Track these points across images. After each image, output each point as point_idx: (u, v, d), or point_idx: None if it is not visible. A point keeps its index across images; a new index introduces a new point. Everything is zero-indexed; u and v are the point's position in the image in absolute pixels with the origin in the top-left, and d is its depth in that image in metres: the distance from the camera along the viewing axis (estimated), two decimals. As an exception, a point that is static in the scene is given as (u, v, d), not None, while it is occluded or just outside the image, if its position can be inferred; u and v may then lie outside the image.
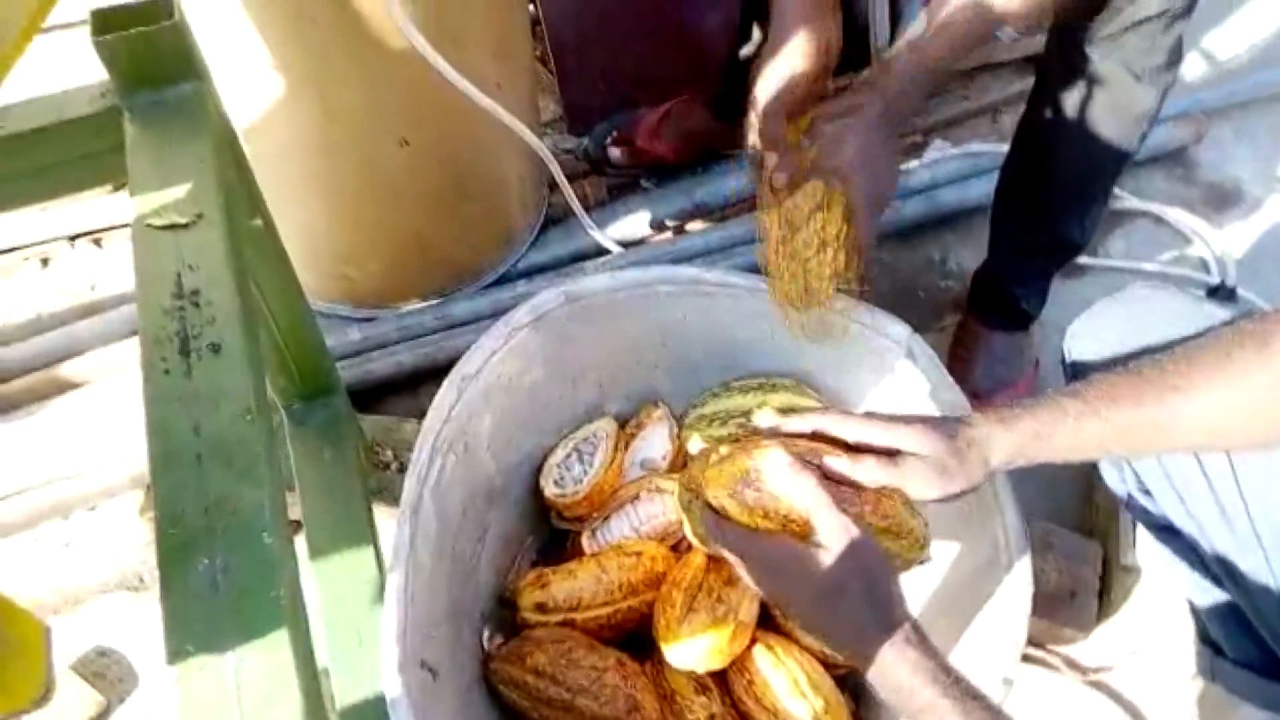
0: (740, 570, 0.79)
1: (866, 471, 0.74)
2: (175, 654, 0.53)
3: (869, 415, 0.79)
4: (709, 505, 0.81)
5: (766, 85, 0.97)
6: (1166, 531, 0.91)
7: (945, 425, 0.77)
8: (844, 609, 0.71)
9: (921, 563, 0.82)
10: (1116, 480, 0.93)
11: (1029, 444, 0.75)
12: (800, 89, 0.97)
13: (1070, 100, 1.08)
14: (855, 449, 0.77)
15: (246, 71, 1.11)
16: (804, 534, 0.74)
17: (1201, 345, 0.70)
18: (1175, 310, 0.86)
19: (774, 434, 0.81)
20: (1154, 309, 0.87)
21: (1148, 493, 0.89)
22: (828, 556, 0.71)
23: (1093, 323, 0.92)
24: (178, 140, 0.78)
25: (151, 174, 0.76)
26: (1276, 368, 0.66)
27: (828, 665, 1.03)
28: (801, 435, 0.80)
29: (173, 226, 0.72)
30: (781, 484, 0.74)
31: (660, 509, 1.12)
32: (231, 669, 0.52)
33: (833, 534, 0.72)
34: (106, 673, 1.22)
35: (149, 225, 0.72)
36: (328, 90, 1.15)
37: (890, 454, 0.76)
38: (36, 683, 0.37)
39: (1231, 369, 0.68)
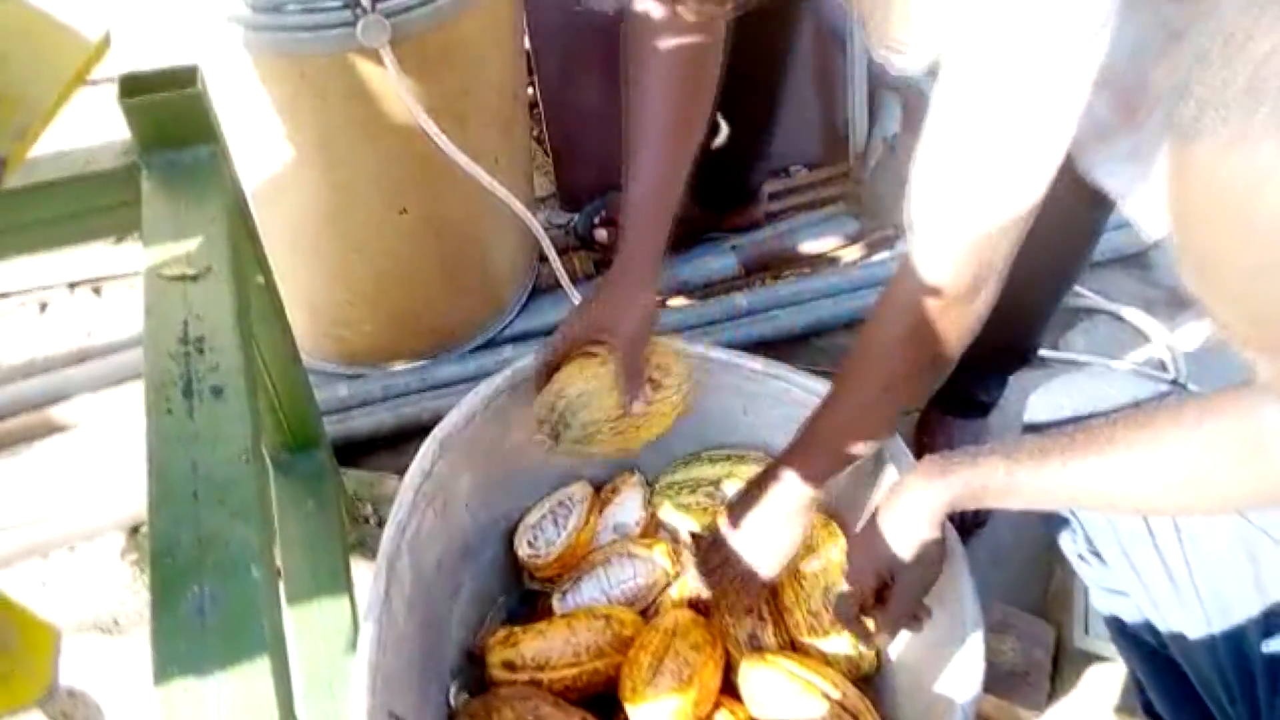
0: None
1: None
2: (161, 676, 0.56)
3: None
4: None
5: (561, 342, 1.04)
6: (1115, 596, 0.95)
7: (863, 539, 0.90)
8: None
9: None
10: (1069, 542, 0.97)
11: (961, 494, 0.81)
12: (579, 343, 1.04)
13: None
14: None
15: (258, 140, 1.18)
16: None
17: (1129, 414, 0.76)
18: (1127, 386, 0.92)
19: None
20: (1107, 384, 0.94)
21: (1097, 554, 0.93)
22: None
23: (1050, 394, 0.98)
24: (191, 198, 0.84)
25: (165, 228, 0.81)
26: (1186, 439, 0.71)
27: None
28: None
29: (182, 278, 0.77)
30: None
31: (631, 573, 1.15)
32: (214, 692, 0.55)
33: None
34: (74, 714, 1.22)
35: (160, 275, 0.77)
36: (334, 161, 1.21)
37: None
38: (42, 683, 0.41)
39: (1149, 436, 0.73)
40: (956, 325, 0.83)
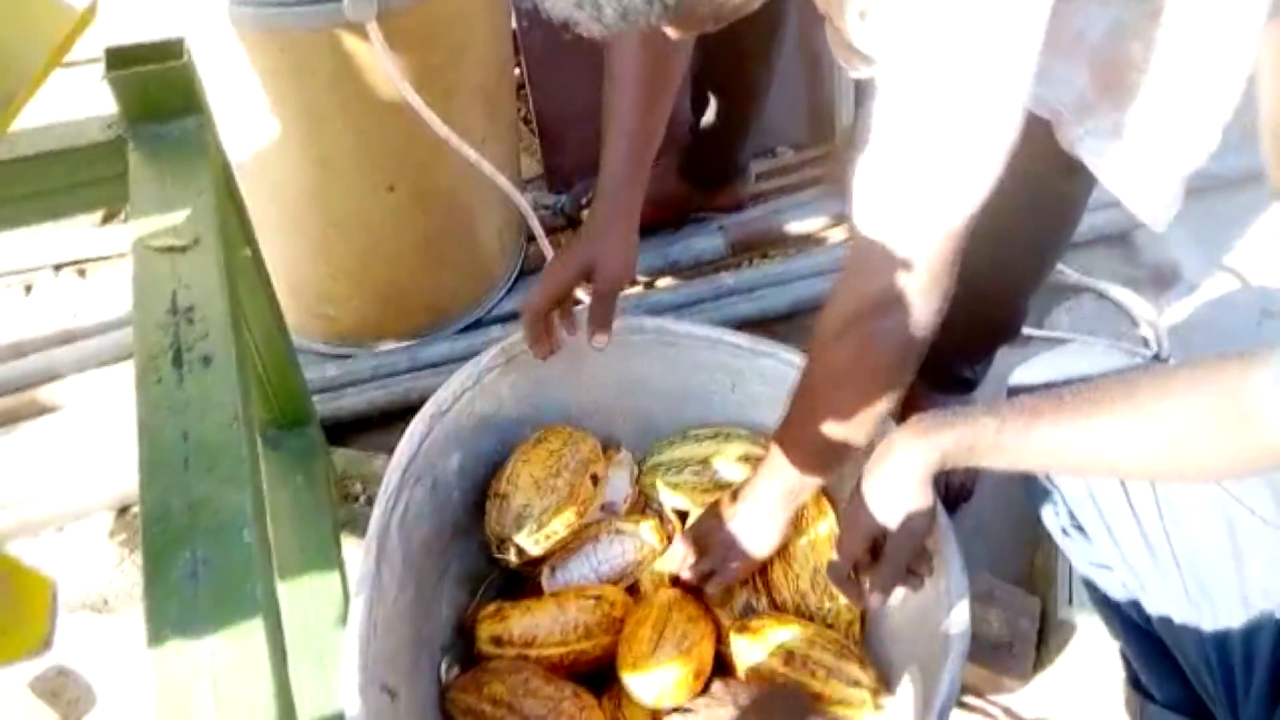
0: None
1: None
2: (155, 638, 0.56)
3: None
4: None
5: (550, 282, 1.09)
6: (1097, 568, 0.97)
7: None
8: None
9: None
10: (1051, 516, 0.98)
11: (951, 450, 0.80)
12: (567, 291, 1.09)
13: (1006, 181, 1.16)
14: None
15: (244, 114, 1.17)
16: None
17: (1115, 379, 0.76)
18: (1108, 362, 0.93)
19: None
20: (1089, 357, 0.95)
21: (1080, 528, 0.94)
22: None
23: (1032, 370, 0.99)
24: (178, 170, 0.84)
25: (152, 200, 0.81)
26: (1175, 404, 0.71)
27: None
28: None
29: (170, 249, 0.77)
30: None
31: (620, 550, 1.15)
32: (207, 653, 0.56)
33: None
34: (63, 692, 1.23)
35: (148, 246, 0.77)
36: (320, 136, 1.21)
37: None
38: (39, 636, 0.41)
39: (1133, 401, 0.73)
40: (927, 311, 0.81)
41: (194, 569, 0.59)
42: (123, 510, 1.38)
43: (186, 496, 0.62)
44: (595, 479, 1.14)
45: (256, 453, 0.68)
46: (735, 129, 1.61)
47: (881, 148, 0.75)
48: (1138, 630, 0.99)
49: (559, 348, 1.12)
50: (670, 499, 1.19)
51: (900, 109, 0.73)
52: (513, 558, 1.10)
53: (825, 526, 1.11)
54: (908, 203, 0.75)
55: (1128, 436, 0.72)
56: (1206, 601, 0.85)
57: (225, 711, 0.54)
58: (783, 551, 1.10)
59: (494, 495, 1.11)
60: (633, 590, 1.14)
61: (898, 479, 0.85)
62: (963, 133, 0.71)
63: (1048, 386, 0.94)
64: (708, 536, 1.07)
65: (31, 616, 0.41)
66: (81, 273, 1.66)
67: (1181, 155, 0.91)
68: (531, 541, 1.09)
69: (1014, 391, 0.98)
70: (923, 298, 0.79)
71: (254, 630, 0.56)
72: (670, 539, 1.15)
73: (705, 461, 1.19)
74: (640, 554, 1.15)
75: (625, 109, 1.04)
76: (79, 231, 1.69)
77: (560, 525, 1.10)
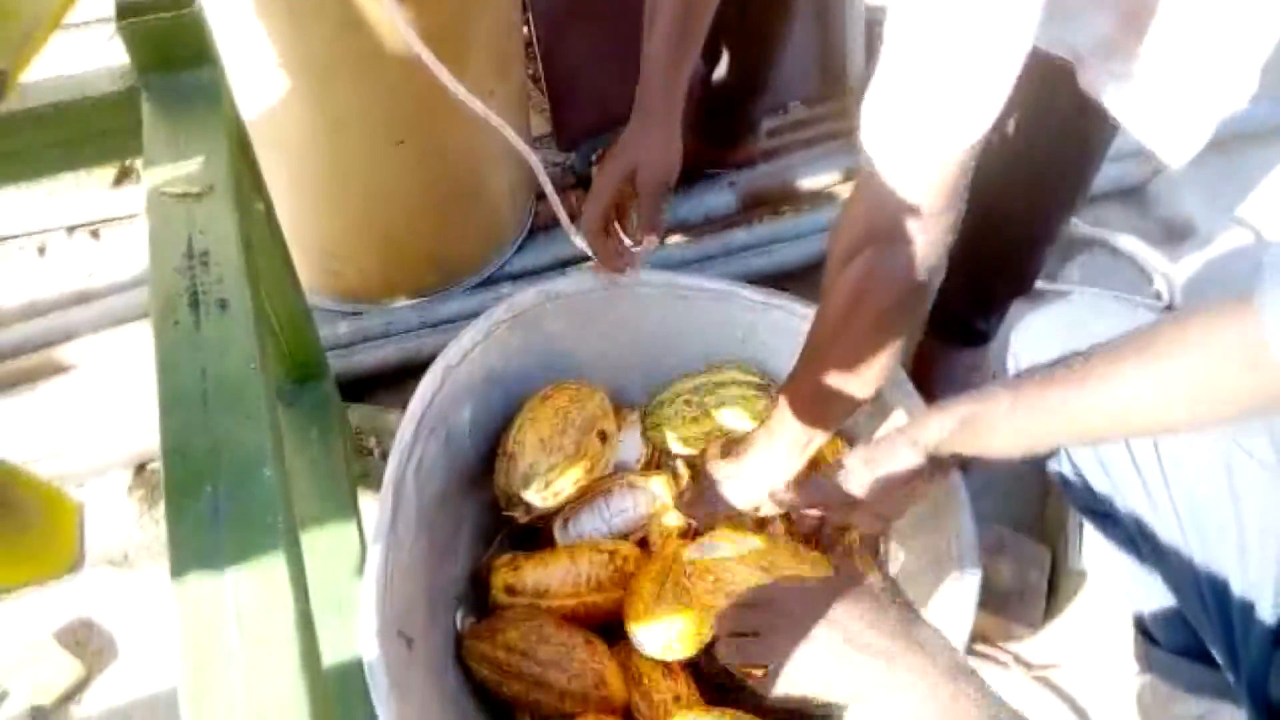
0: (758, 655, 0.82)
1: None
2: (177, 572, 0.57)
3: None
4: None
5: (602, 189, 1.10)
6: (1101, 517, 0.97)
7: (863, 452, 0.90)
8: (875, 627, 0.74)
9: None
10: (1054, 464, 0.99)
11: (961, 430, 0.80)
12: (626, 189, 1.10)
13: (1024, 127, 1.15)
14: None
15: (253, 66, 1.17)
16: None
17: (1126, 338, 0.74)
18: (1112, 310, 0.93)
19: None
20: (1093, 309, 0.95)
21: (1081, 475, 0.95)
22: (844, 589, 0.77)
23: (1038, 320, 0.98)
24: (191, 120, 0.84)
25: (166, 149, 0.81)
26: (1187, 358, 0.70)
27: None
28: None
29: (185, 195, 0.77)
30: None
31: (631, 504, 1.16)
32: (230, 586, 0.57)
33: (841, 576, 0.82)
34: (88, 643, 1.25)
35: (163, 194, 0.77)
36: (329, 89, 1.20)
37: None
38: (68, 556, 0.42)
39: (1147, 358, 0.72)
40: (930, 243, 0.80)
41: (215, 504, 0.60)
42: (141, 467, 1.39)
43: (206, 435, 0.63)
44: (604, 435, 1.14)
45: (274, 396, 0.69)
46: (747, 85, 1.60)
47: (888, 71, 0.74)
48: (1141, 574, 1.00)
49: (630, 262, 1.14)
50: (669, 438, 1.19)
51: (907, 31, 0.72)
52: (521, 515, 1.10)
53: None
54: (912, 127, 0.74)
55: (1148, 389, 0.71)
56: (1204, 546, 0.86)
57: (249, 643, 0.55)
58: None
59: (502, 454, 1.12)
60: (645, 545, 1.15)
61: (890, 449, 0.87)
62: (969, 58, 0.70)
63: (1054, 337, 0.94)
64: (710, 490, 1.07)
65: (62, 537, 0.42)
66: (95, 234, 1.66)
67: (1215, 98, 0.90)
68: (539, 499, 1.10)
69: (1015, 358, 0.99)
70: (926, 228, 0.78)
71: (276, 563, 0.57)
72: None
73: (695, 390, 1.19)
74: (652, 508, 1.15)
75: (666, 9, 1.04)
76: (92, 193, 1.70)
77: (567, 483, 1.11)
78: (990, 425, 0.79)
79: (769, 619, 0.80)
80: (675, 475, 1.19)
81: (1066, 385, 0.75)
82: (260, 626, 0.56)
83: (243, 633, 0.55)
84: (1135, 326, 0.74)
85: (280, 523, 0.59)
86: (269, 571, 0.57)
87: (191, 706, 0.53)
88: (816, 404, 0.94)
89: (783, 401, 0.97)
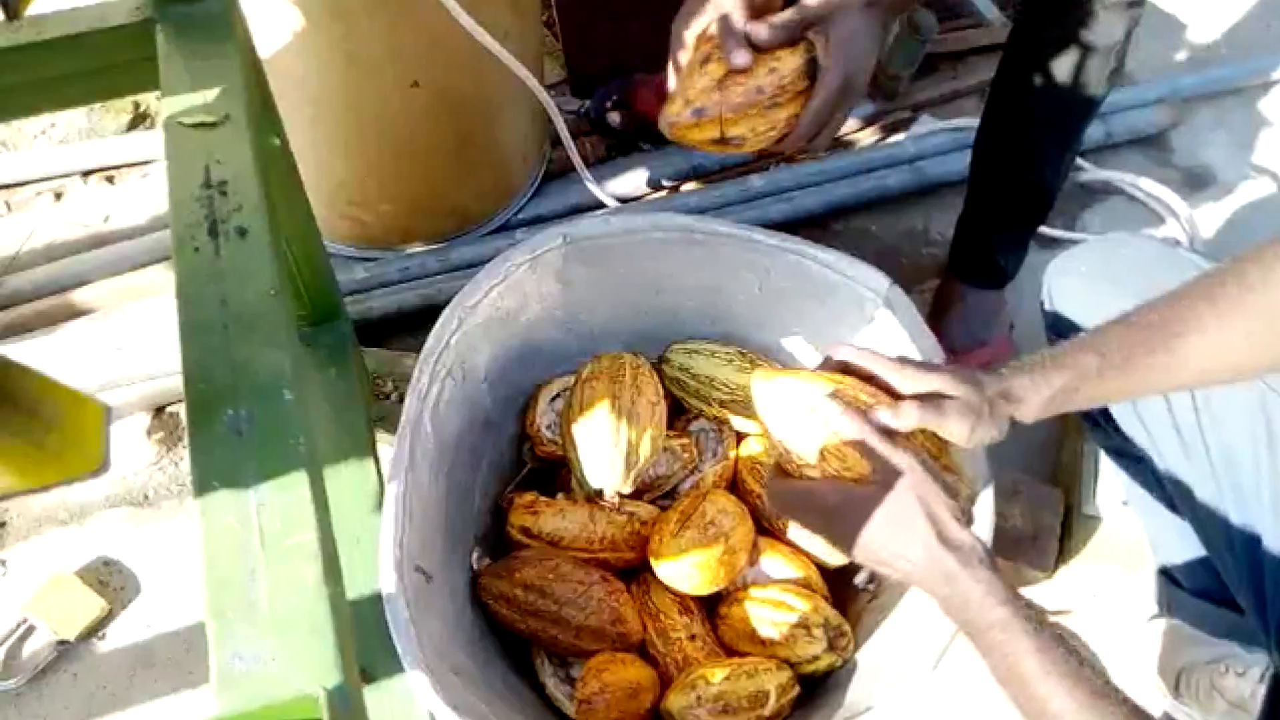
0: (804, 526, 0.81)
1: (907, 416, 0.75)
2: (201, 488, 0.57)
3: (903, 361, 0.79)
4: (776, 465, 0.83)
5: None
6: (1128, 459, 0.97)
7: (977, 376, 0.77)
8: (912, 537, 0.72)
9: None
10: None
11: (1057, 398, 0.76)
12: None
13: (1042, 33, 1.14)
14: (892, 392, 0.78)
15: (269, 7, 1.16)
16: (861, 477, 0.76)
17: (1191, 288, 0.73)
18: (1146, 249, 0.92)
19: (831, 367, 0.83)
20: (1129, 248, 0.94)
21: (1111, 419, 0.94)
22: (886, 492, 0.73)
23: (1071, 259, 0.97)
24: (207, 50, 0.83)
25: (182, 79, 0.80)
26: (1256, 299, 0.69)
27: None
28: (852, 373, 0.81)
29: (201, 125, 0.77)
30: (838, 425, 0.76)
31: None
32: (253, 503, 0.57)
33: (891, 470, 0.73)
34: (110, 581, 1.27)
35: (180, 123, 0.77)
36: (345, 29, 1.19)
37: (927, 398, 0.76)
38: (94, 457, 0.42)
39: (1219, 306, 0.71)
40: None
41: (238, 425, 0.60)
42: (159, 409, 1.41)
43: (228, 359, 0.63)
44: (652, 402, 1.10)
45: (294, 323, 0.69)
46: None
47: None
48: (1165, 517, 0.99)
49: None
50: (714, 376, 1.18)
51: None
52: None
53: None
54: None
55: (1212, 342, 0.70)
56: (1238, 496, 0.85)
57: (273, 557, 0.55)
58: None
59: (569, 446, 1.08)
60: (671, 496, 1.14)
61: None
62: None
63: (1091, 274, 0.92)
64: None
65: (89, 438, 0.42)
66: (110, 179, 1.66)
67: None
68: (629, 486, 1.05)
69: (1051, 299, 0.96)
70: None
71: (299, 482, 0.58)
72: (697, 456, 1.15)
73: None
74: (670, 469, 1.15)
75: None
76: (108, 140, 1.70)
77: (646, 450, 1.05)
78: (1079, 391, 0.76)
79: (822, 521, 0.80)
80: (698, 443, 1.17)
81: (1151, 346, 0.73)
82: (285, 543, 0.56)
83: (266, 549, 0.56)
84: (1172, 264, 0.73)
85: (301, 443, 0.59)
86: (292, 489, 0.58)
87: (216, 622, 0.53)
88: None
89: None
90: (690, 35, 0.92)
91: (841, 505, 0.75)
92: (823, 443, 0.77)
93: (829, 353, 0.83)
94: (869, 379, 0.79)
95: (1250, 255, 0.70)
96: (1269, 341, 0.70)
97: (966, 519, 0.78)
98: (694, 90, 0.88)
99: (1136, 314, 0.75)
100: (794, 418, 0.80)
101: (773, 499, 0.85)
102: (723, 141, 0.89)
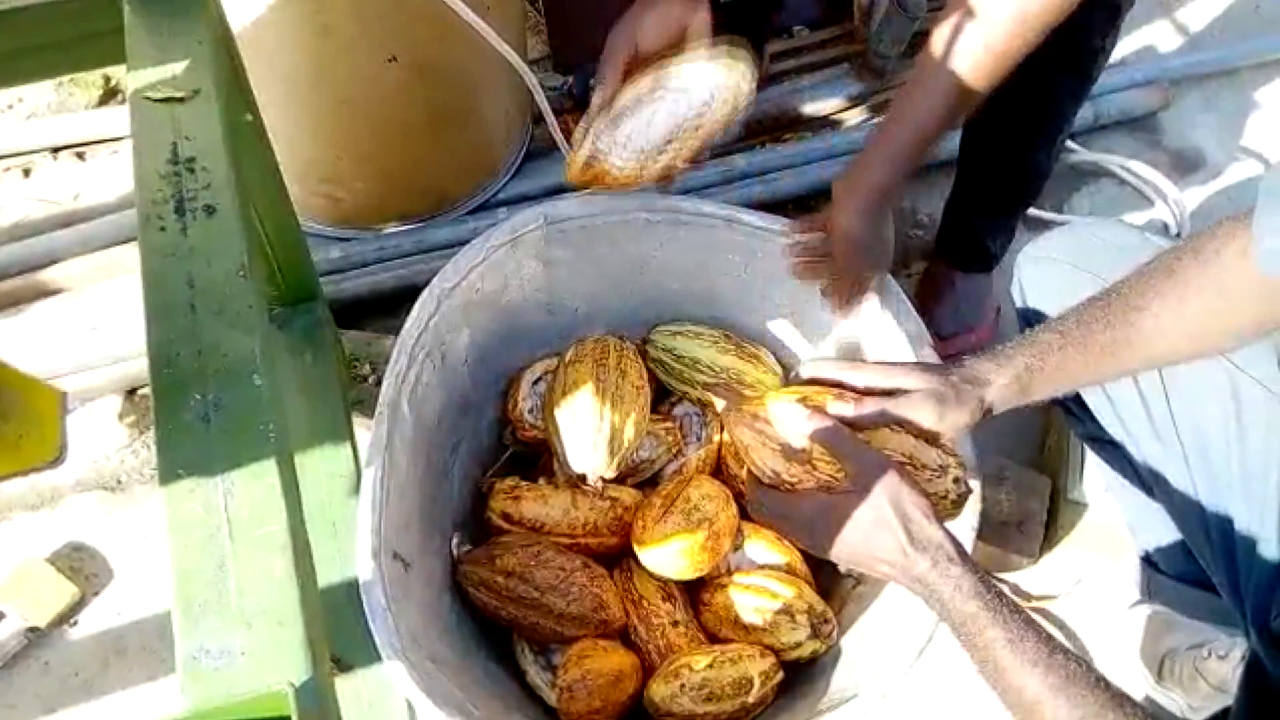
0: (785, 536, 0.85)
1: (869, 407, 0.79)
2: (167, 477, 0.55)
3: (865, 363, 0.85)
4: (752, 475, 0.86)
5: (623, 29, 1.04)
6: (1105, 446, 0.96)
7: (941, 365, 0.82)
8: (885, 542, 0.74)
9: (958, 498, 0.84)
10: None
11: (1022, 377, 0.78)
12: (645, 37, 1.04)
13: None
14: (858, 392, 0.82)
15: (241, -23, 1.13)
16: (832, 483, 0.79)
17: (1149, 265, 0.75)
18: (1116, 234, 0.91)
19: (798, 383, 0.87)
20: (1097, 234, 0.93)
21: (1085, 407, 0.94)
22: (860, 499, 0.75)
23: (1040, 245, 0.97)
24: (175, 22, 0.80)
25: (149, 52, 0.78)
26: (1211, 276, 0.70)
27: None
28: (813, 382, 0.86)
29: (169, 100, 0.74)
30: (802, 431, 0.80)
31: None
32: (221, 492, 0.55)
33: (863, 472, 0.76)
34: (82, 567, 1.25)
35: (146, 97, 0.74)
36: (320, 2, 1.16)
37: (890, 394, 0.80)
38: (52, 446, 0.40)
39: (1176, 279, 0.72)
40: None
41: (205, 412, 0.58)
42: (131, 392, 1.38)
43: (195, 342, 0.61)
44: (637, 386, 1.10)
45: (263, 305, 0.67)
46: (751, 7, 1.55)
47: None
48: (1142, 502, 0.99)
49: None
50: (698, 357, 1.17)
51: None
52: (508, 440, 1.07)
53: None
54: None
55: (1170, 318, 0.71)
56: (1209, 479, 0.85)
57: (242, 548, 0.54)
58: None
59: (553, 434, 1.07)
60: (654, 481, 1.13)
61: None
62: None
63: (1059, 260, 0.92)
64: None
65: (45, 426, 0.40)
66: (80, 156, 1.63)
67: None
68: (613, 470, 1.05)
69: (1021, 286, 0.96)
70: None
71: (268, 470, 0.56)
72: (681, 440, 1.14)
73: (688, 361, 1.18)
74: (655, 452, 1.12)
75: None
76: (77, 115, 1.66)
77: (630, 434, 1.05)
78: (1043, 370, 0.78)
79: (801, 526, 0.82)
80: (681, 428, 1.16)
81: (1109, 320, 0.75)
82: (253, 534, 0.54)
83: (235, 540, 0.54)
84: (1143, 249, 0.73)
85: (271, 430, 0.57)
86: (261, 478, 0.56)
87: (183, 615, 0.52)
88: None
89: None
90: (626, 46, 1.01)
91: (818, 515, 0.79)
92: (795, 450, 0.81)
93: (794, 375, 0.86)
94: (837, 386, 0.84)
95: (1206, 232, 0.72)
96: (1226, 315, 0.71)
97: (957, 496, 0.82)
98: None
99: (1098, 294, 0.77)
100: (767, 435, 0.84)
101: (753, 511, 0.88)
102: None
